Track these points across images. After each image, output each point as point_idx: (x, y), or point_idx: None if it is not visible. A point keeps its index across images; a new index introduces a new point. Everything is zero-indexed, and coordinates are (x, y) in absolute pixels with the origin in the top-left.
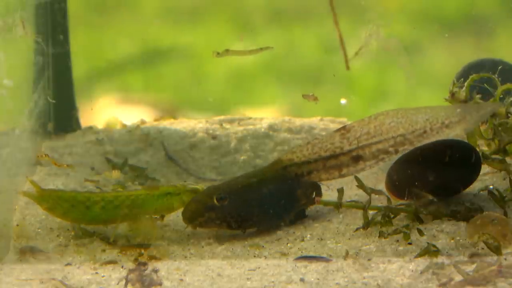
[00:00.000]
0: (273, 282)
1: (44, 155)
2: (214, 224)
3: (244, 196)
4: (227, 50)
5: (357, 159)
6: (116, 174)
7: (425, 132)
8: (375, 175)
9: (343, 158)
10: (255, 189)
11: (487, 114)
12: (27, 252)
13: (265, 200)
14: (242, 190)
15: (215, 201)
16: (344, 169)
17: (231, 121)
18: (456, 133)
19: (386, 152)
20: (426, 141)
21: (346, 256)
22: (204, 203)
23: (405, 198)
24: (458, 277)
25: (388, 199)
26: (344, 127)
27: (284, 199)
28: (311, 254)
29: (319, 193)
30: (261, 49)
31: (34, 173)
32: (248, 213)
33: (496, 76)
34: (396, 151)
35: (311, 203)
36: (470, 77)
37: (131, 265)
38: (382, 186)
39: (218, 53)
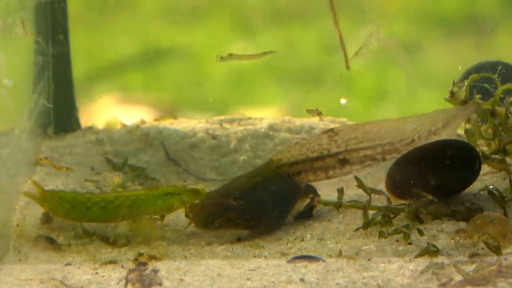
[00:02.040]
0: (273, 282)
1: (43, 158)
2: (228, 226)
3: (254, 195)
4: (230, 54)
5: (343, 162)
6: (117, 179)
7: (413, 141)
8: (375, 175)
9: (330, 160)
10: (262, 188)
11: (468, 115)
12: (41, 241)
13: (274, 198)
14: (251, 190)
15: (231, 201)
16: (331, 171)
17: (231, 121)
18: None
19: (373, 159)
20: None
21: (340, 255)
22: (215, 206)
23: (405, 198)
24: (458, 277)
25: (388, 199)
26: (332, 130)
27: (288, 197)
28: (307, 254)
29: (316, 194)
30: (265, 53)
31: (34, 173)
32: (260, 211)
33: (496, 76)
34: (384, 159)
35: (313, 203)
36: (470, 77)
37: (131, 265)
38: (382, 186)
39: (221, 57)
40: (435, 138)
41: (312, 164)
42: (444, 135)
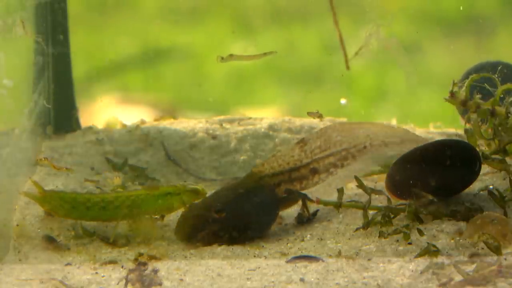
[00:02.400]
0: (273, 282)
1: (43, 159)
2: (210, 239)
3: (237, 207)
4: (231, 55)
5: (314, 171)
6: (117, 180)
7: (365, 147)
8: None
9: (303, 170)
10: (245, 199)
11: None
12: (46, 242)
13: (257, 209)
14: (235, 201)
15: (213, 214)
16: (304, 181)
17: (231, 121)
18: (394, 153)
19: (334, 166)
20: (367, 156)
21: (339, 255)
22: (198, 219)
23: (405, 198)
24: (458, 277)
25: (388, 199)
26: (302, 140)
27: (270, 207)
28: (307, 254)
29: (306, 196)
30: (265, 54)
31: (34, 173)
32: (242, 223)
33: (497, 76)
34: (342, 165)
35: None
36: (470, 77)
37: (131, 265)
38: (382, 186)
39: (222, 58)
40: (385, 150)
41: (290, 175)
42: (396, 150)
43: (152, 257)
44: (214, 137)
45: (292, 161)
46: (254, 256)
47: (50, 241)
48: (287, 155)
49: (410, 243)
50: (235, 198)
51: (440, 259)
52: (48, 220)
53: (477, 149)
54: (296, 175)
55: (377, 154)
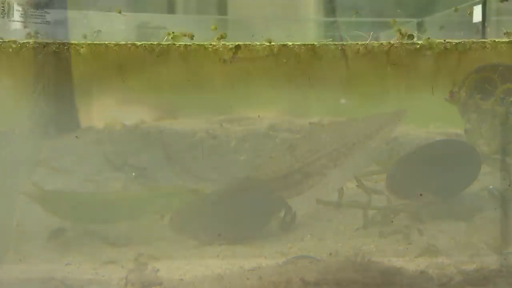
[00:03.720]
0: (273, 282)
1: (43, 161)
2: (203, 230)
3: (234, 202)
4: (233, 57)
5: (307, 176)
6: (117, 183)
7: (354, 144)
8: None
9: (297, 175)
10: (242, 196)
11: (398, 120)
12: (56, 235)
13: (252, 206)
14: (231, 197)
15: (208, 206)
16: (299, 186)
17: (231, 121)
18: (376, 144)
19: (327, 167)
20: (356, 153)
21: (339, 255)
22: (191, 210)
23: (405, 198)
24: (458, 277)
25: (388, 199)
26: (291, 145)
27: (265, 210)
28: (307, 254)
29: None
30: (267, 55)
31: (34, 173)
32: (236, 218)
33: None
34: (335, 165)
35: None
36: (470, 77)
37: (131, 265)
38: (382, 186)
39: (224, 60)
40: (369, 142)
41: (285, 181)
42: (377, 139)
43: (152, 257)
44: (214, 137)
45: (285, 167)
46: (254, 256)
47: (59, 235)
48: (281, 160)
49: (410, 243)
50: (231, 195)
51: (440, 259)
52: (48, 220)
53: (477, 149)
54: (290, 180)
55: (367, 149)
